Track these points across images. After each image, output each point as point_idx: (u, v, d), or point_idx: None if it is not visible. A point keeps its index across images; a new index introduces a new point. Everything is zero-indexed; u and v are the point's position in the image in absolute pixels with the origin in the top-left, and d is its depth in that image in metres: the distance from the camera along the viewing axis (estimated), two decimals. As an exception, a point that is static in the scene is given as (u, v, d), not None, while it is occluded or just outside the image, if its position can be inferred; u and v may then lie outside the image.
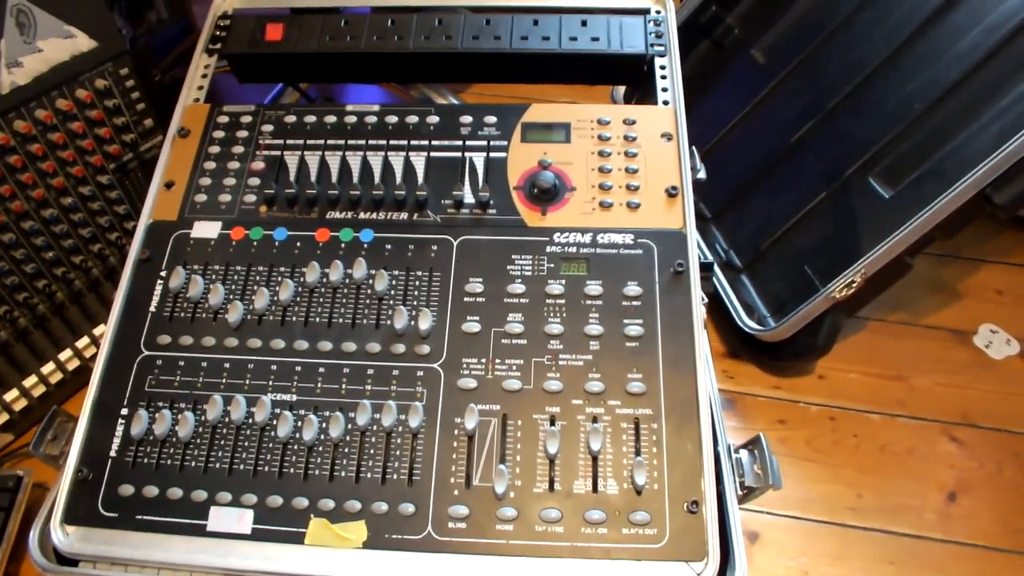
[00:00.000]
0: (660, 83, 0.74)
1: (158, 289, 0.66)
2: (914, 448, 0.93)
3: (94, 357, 0.95)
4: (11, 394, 0.90)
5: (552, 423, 0.59)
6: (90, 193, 0.87)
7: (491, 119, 0.72)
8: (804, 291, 0.87)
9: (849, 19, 0.94)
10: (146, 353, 0.63)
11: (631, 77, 0.78)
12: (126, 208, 0.92)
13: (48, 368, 0.92)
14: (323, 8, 0.80)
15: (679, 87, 0.73)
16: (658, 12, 0.78)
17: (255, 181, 0.70)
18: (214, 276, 0.66)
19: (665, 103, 0.73)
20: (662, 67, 0.75)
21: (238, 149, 0.72)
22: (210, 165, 0.71)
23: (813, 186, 0.91)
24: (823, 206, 0.90)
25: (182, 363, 0.63)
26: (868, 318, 1.03)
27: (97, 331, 0.95)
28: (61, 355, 0.93)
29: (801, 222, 0.92)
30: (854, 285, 0.79)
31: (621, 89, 1.22)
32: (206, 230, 0.68)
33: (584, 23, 0.76)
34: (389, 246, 0.66)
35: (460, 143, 0.71)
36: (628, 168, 0.68)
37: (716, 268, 0.97)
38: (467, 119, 0.72)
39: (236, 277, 0.66)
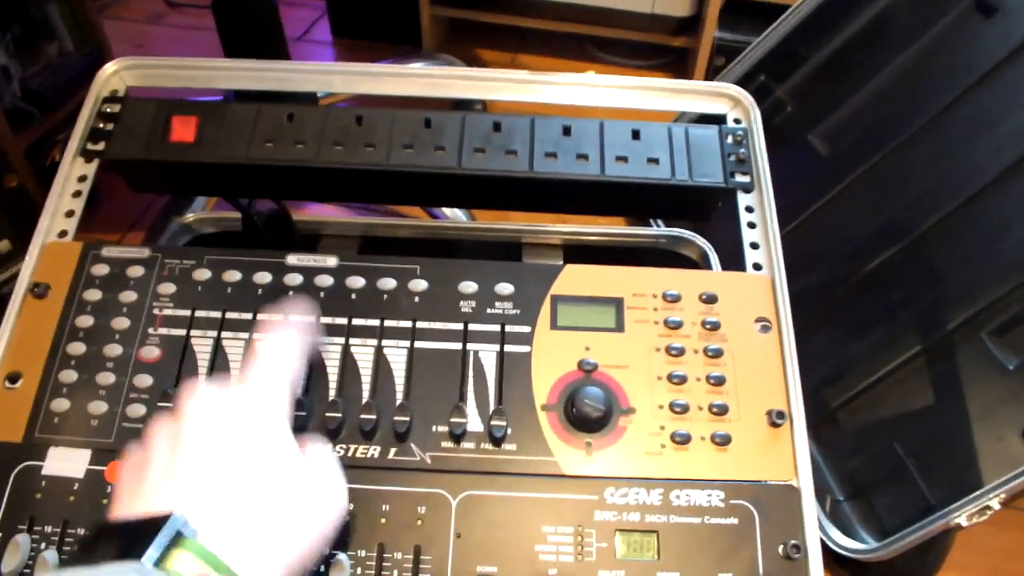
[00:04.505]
0: (747, 233, 0.52)
1: (-18, 573, 0.41)
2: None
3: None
4: None
5: None
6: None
7: (506, 288, 0.48)
8: (893, 476, 0.66)
9: (945, 115, 0.73)
10: None
11: (700, 214, 0.56)
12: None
13: None
14: (255, 92, 0.56)
15: (777, 244, 0.51)
16: (738, 122, 0.55)
17: (146, 380, 0.46)
18: (78, 549, 0.42)
19: (757, 268, 0.51)
20: (748, 208, 0.52)
21: (121, 323, 0.47)
22: (77, 349, 0.47)
23: (903, 335, 0.69)
24: (917, 364, 0.68)
25: None
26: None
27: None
28: None
29: (887, 380, 0.70)
30: (989, 512, 0.58)
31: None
32: (67, 463, 0.44)
33: (636, 134, 0.53)
34: (350, 506, 0.43)
35: (460, 327, 0.47)
36: (710, 376, 0.46)
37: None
38: (469, 287, 0.49)
39: (108, 552, 0.42)
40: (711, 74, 1.26)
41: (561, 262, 0.64)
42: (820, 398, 0.75)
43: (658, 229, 0.69)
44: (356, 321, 0.47)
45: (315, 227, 0.67)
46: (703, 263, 0.66)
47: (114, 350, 0.47)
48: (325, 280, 0.49)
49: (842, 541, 0.68)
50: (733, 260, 0.60)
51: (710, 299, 0.48)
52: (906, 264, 0.71)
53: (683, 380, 0.46)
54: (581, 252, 0.67)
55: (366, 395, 0.45)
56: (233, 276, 0.49)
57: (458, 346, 0.47)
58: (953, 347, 0.66)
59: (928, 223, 0.70)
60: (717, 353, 0.47)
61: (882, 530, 0.67)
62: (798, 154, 0.83)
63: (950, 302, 0.68)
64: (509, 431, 0.44)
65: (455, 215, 0.98)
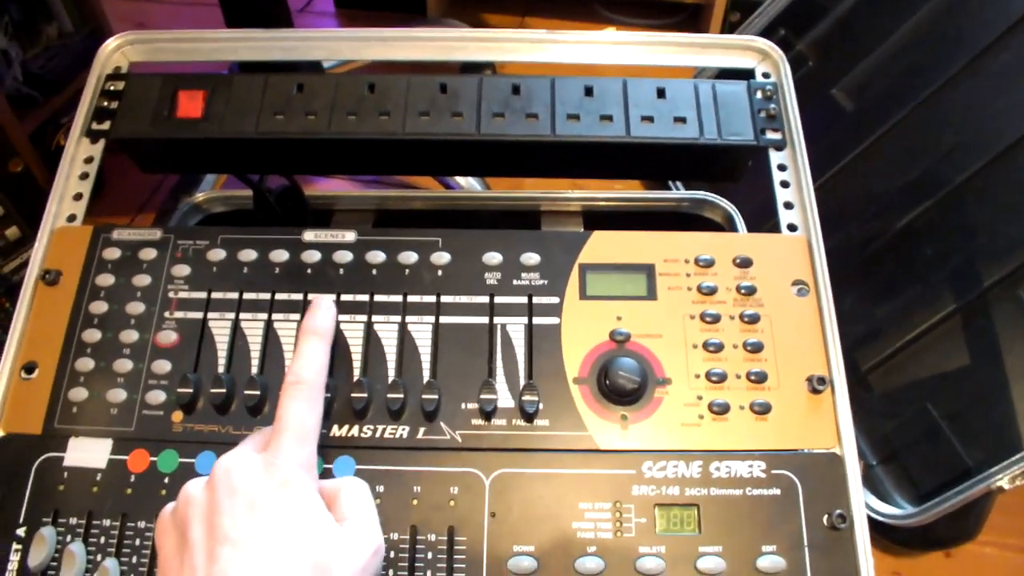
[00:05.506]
0: (780, 193, 0.50)
1: (11, 567, 0.41)
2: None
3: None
4: None
5: None
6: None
7: (531, 258, 0.47)
8: (927, 439, 0.65)
9: (977, 63, 0.69)
10: None
11: (729, 174, 0.54)
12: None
13: None
14: (262, 63, 0.54)
15: (812, 203, 0.49)
16: (766, 76, 0.53)
17: (164, 366, 0.44)
18: (103, 540, 0.41)
19: (792, 228, 0.49)
20: (781, 167, 0.50)
21: (136, 308, 0.46)
22: (92, 336, 0.45)
23: (936, 294, 0.67)
24: (952, 325, 0.66)
25: None
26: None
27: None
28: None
29: (920, 341, 0.68)
30: (1032, 473, 0.56)
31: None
32: (89, 454, 0.43)
33: (661, 92, 0.51)
34: (380, 487, 0.41)
35: (486, 300, 0.46)
36: (747, 343, 0.44)
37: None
38: (494, 258, 0.47)
39: (138, 542, 0.41)
40: (726, 31, 1.22)
41: (581, 229, 0.62)
42: (851, 360, 0.73)
43: (680, 192, 0.66)
44: (378, 297, 0.46)
45: (328, 202, 0.66)
46: (728, 226, 0.64)
47: (130, 336, 0.45)
48: (344, 256, 0.47)
49: (878, 507, 0.67)
50: (757, 222, 0.58)
51: (744, 263, 0.46)
52: (938, 220, 0.69)
53: (719, 348, 0.44)
54: (601, 218, 0.65)
55: (392, 374, 0.44)
56: (249, 255, 0.47)
57: (485, 320, 0.45)
58: (988, 306, 0.64)
59: (961, 177, 0.68)
60: (754, 319, 0.45)
61: (917, 495, 0.66)
62: (822, 110, 0.80)
63: (985, 259, 0.65)
64: (541, 406, 0.43)
65: (469, 184, 0.96)
